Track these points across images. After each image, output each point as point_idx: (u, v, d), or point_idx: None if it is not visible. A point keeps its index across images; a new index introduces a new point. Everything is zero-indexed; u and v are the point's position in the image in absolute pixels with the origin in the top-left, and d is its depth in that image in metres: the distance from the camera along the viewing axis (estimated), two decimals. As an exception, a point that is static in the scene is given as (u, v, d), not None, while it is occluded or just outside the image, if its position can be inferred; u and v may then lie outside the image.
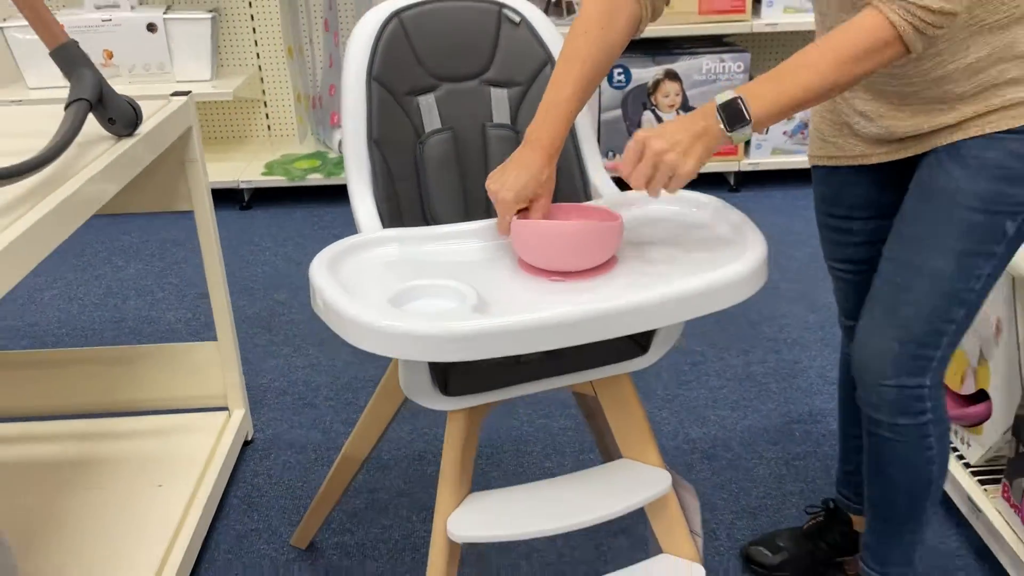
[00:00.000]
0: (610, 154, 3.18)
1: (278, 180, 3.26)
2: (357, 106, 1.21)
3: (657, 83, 3.12)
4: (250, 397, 2.06)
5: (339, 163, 3.32)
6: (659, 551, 1.29)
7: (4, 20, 3.18)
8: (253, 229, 3.10)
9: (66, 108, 1.27)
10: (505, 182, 1.08)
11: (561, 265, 1.06)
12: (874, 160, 1.23)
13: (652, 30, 2.99)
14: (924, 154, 1.15)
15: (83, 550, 1.51)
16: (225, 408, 1.91)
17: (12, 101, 3.09)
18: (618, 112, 3.16)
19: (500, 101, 1.30)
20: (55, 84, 3.22)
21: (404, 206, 1.24)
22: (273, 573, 1.59)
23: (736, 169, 3.26)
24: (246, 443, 1.94)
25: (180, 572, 1.49)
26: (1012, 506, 1.49)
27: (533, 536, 1.17)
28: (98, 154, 1.31)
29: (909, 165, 1.18)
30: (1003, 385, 1.53)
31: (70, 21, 3.13)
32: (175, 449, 1.78)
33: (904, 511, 1.29)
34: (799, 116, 3.14)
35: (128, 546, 1.52)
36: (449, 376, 1.17)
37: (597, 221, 1.09)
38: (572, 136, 1.30)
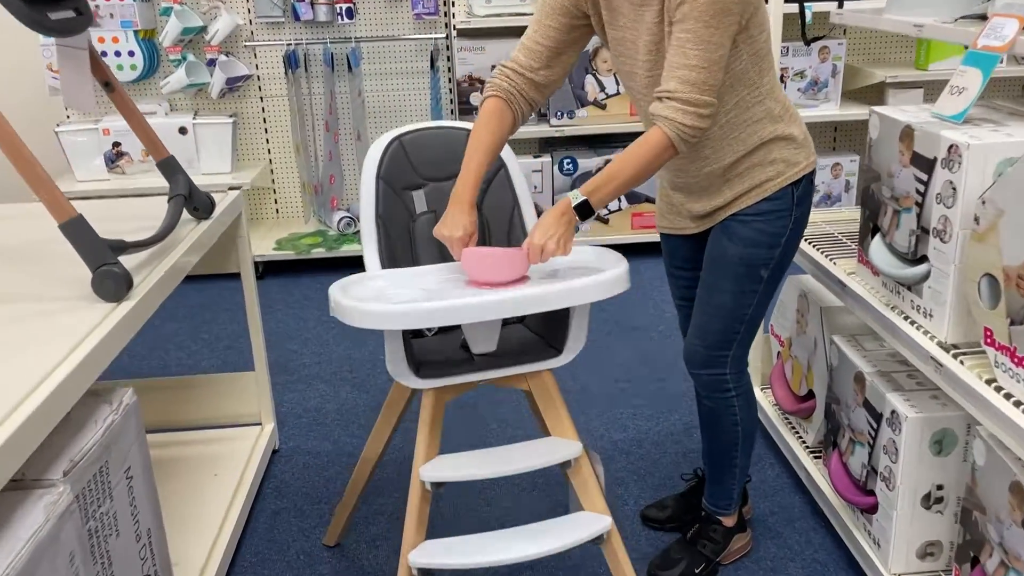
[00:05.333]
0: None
1: (287, 254, 3.90)
2: (369, 195, 1.83)
3: (598, 169, 3.80)
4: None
5: (338, 239, 3.97)
6: (579, 508, 1.78)
7: (58, 125, 3.84)
8: (267, 295, 3.72)
9: (169, 201, 1.90)
10: (451, 229, 1.63)
11: (491, 276, 1.62)
12: (687, 232, 1.86)
13: (592, 128, 3.74)
14: (711, 228, 1.79)
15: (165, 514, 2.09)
16: (259, 423, 2.51)
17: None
18: (569, 194, 3.83)
19: None
20: (98, 178, 3.90)
21: (399, 261, 1.86)
22: (301, 539, 2.17)
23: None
24: (274, 452, 2.53)
25: (233, 533, 2.06)
26: (832, 472, 2.09)
27: (485, 477, 1.73)
28: (188, 232, 1.93)
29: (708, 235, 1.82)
30: (820, 385, 2.16)
31: (115, 126, 3.80)
32: (226, 451, 2.37)
33: (720, 461, 1.90)
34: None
35: (194, 515, 2.10)
36: (421, 364, 1.73)
37: (510, 249, 1.66)
38: (513, 199, 1.92)
